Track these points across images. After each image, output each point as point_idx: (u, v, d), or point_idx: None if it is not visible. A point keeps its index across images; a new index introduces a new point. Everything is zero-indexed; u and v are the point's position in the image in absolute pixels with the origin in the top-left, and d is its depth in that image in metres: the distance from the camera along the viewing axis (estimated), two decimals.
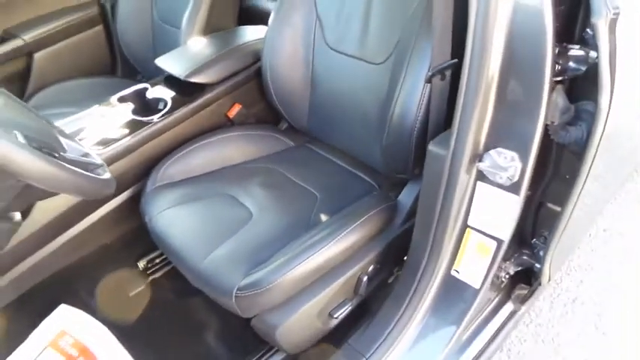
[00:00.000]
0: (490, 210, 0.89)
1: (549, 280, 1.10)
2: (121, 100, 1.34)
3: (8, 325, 1.20)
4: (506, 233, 0.90)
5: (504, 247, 0.91)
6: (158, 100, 1.34)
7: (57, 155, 0.72)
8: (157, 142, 1.29)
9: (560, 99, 0.79)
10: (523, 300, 1.15)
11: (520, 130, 0.80)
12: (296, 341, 1.08)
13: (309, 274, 1.00)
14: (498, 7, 0.73)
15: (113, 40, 1.88)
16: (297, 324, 1.04)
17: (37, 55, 1.74)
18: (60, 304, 1.18)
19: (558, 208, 0.94)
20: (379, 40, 1.15)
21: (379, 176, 1.26)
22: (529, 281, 1.15)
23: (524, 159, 0.81)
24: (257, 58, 1.39)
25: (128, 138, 1.23)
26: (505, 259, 1.04)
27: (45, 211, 1.16)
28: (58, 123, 1.21)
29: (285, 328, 1.02)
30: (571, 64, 0.78)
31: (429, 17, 0.99)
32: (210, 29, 1.55)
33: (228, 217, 1.15)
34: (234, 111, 1.43)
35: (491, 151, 0.83)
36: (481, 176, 0.87)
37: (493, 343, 1.13)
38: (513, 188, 0.84)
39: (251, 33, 1.51)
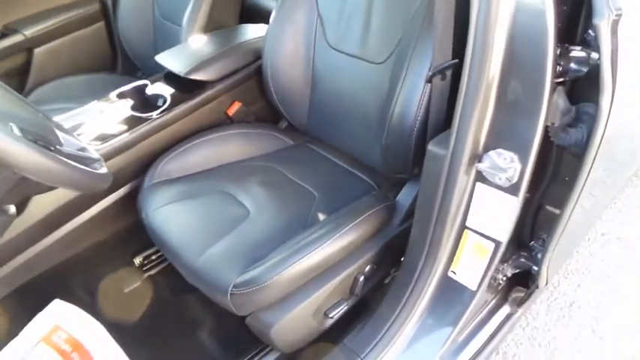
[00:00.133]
0: (488, 211, 0.89)
1: (547, 283, 1.10)
2: (120, 96, 1.33)
3: (1, 320, 1.20)
4: (504, 235, 0.89)
5: (502, 248, 0.91)
6: (157, 97, 1.33)
7: (53, 148, 0.72)
8: (155, 139, 1.29)
9: (561, 100, 0.78)
10: (520, 303, 1.14)
11: (520, 131, 0.80)
12: (291, 340, 1.08)
13: (305, 273, 1.00)
14: (500, 7, 0.73)
15: (114, 36, 1.88)
16: (293, 323, 1.03)
17: (37, 51, 1.74)
18: (54, 299, 1.17)
19: (557, 211, 0.94)
20: (380, 39, 1.15)
21: (378, 176, 1.26)
22: (526, 284, 1.15)
23: (523, 160, 0.81)
24: (257, 56, 1.39)
25: (126, 134, 1.23)
26: (502, 261, 1.03)
27: (41, 205, 1.15)
28: (57, 118, 1.21)
29: (280, 326, 1.01)
30: (572, 65, 0.78)
31: (431, 17, 0.99)
32: (211, 27, 1.54)
33: (225, 214, 1.14)
34: (234, 109, 1.43)
35: (491, 152, 0.82)
36: (480, 177, 0.86)
37: (489, 345, 1.13)
38: (512, 190, 0.84)
39: (252, 31, 1.50)
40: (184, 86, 1.35)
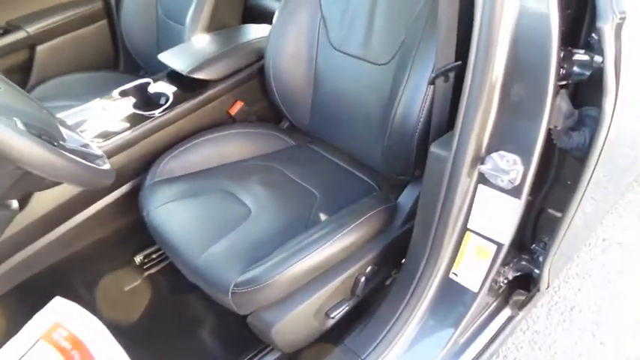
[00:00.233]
0: (490, 213, 0.89)
1: (548, 286, 1.10)
2: (123, 94, 1.33)
3: (2, 317, 1.20)
4: (506, 237, 0.89)
5: (504, 251, 0.91)
6: (160, 95, 1.34)
7: (56, 144, 0.72)
8: (157, 137, 1.29)
9: (564, 103, 0.79)
10: (521, 306, 1.14)
11: (523, 133, 0.80)
12: (291, 340, 1.08)
13: (306, 273, 1.00)
14: (504, 9, 0.73)
15: (116, 34, 1.88)
16: (294, 323, 1.03)
17: (39, 48, 1.74)
18: (55, 296, 1.17)
19: (559, 214, 0.94)
20: (383, 41, 1.15)
21: (379, 177, 1.26)
22: (527, 287, 1.15)
23: (526, 163, 0.81)
24: (260, 56, 1.39)
25: (129, 132, 1.23)
26: (504, 263, 1.04)
27: (42, 202, 1.15)
28: (59, 115, 1.21)
29: (281, 326, 1.01)
30: (575, 68, 0.78)
31: (434, 19, 0.99)
32: (214, 27, 1.54)
33: (226, 213, 1.15)
34: (236, 108, 1.43)
35: (494, 154, 0.82)
36: (482, 179, 0.86)
37: (489, 348, 1.13)
38: (514, 192, 0.84)
39: (255, 31, 1.51)
40: (187, 85, 1.35)
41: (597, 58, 0.75)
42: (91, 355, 1.08)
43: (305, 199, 1.20)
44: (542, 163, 0.83)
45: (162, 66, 1.38)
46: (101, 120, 1.25)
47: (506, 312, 1.17)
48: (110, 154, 1.19)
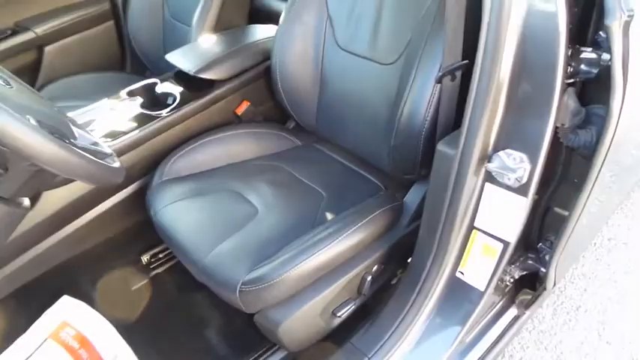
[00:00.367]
0: (497, 211, 0.89)
1: (554, 285, 1.10)
2: (130, 94, 1.34)
3: (10, 315, 1.21)
4: (512, 235, 0.90)
5: (510, 249, 0.91)
6: (167, 95, 1.34)
7: (68, 141, 0.72)
8: (164, 137, 1.30)
9: (572, 101, 0.79)
10: (527, 305, 1.14)
11: (530, 131, 0.80)
12: (298, 339, 1.08)
13: (313, 271, 1.00)
14: (512, 8, 0.73)
15: (123, 35, 1.90)
16: (300, 321, 1.04)
17: (47, 49, 1.75)
18: (63, 295, 1.18)
19: (566, 213, 0.94)
20: (390, 40, 1.15)
21: (386, 177, 1.26)
22: (533, 287, 1.15)
23: (533, 161, 0.81)
24: (267, 56, 1.40)
25: (136, 131, 1.24)
26: (510, 262, 1.04)
27: (51, 202, 1.16)
28: (68, 115, 1.22)
29: (288, 325, 1.01)
30: (583, 66, 0.78)
31: (441, 18, 1.00)
32: (220, 27, 1.55)
33: (233, 212, 1.15)
34: (243, 108, 1.44)
35: (500, 152, 0.83)
36: (489, 177, 0.87)
37: (496, 347, 1.13)
38: (521, 190, 0.84)
39: (261, 31, 1.51)
40: (194, 85, 1.36)
41: (605, 56, 0.75)
42: (99, 354, 1.09)
43: (311, 198, 1.21)
44: (549, 161, 0.83)
45: (169, 66, 1.39)
46: (109, 120, 1.26)
47: (513, 311, 1.17)
48: (118, 154, 1.19)
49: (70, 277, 1.30)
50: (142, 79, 1.40)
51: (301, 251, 0.99)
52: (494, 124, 0.83)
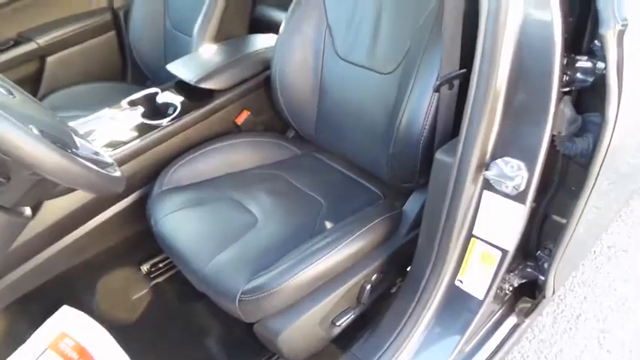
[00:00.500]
0: (495, 219, 0.90)
1: (553, 293, 1.10)
2: (131, 103, 1.35)
3: (10, 325, 1.20)
4: (511, 243, 0.90)
5: (509, 257, 0.91)
6: (168, 105, 1.35)
7: (69, 151, 0.73)
8: (165, 146, 1.31)
9: (568, 109, 0.80)
10: (527, 313, 1.14)
11: (527, 139, 0.81)
12: (298, 348, 1.08)
13: (312, 280, 1.00)
14: (508, 17, 0.74)
15: (125, 46, 1.91)
16: (300, 331, 1.03)
17: (49, 59, 1.77)
18: (62, 305, 1.18)
19: (564, 221, 0.94)
20: (388, 49, 1.16)
21: (385, 186, 1.27)
22: (533, 295, 1.15)
23: (530, 168, 0.81)
24: (267, 65, 1.41)
25: (137, 141, 1.25)
26: (509, 270, 1.04)
27: (52, 211, 1.17)
28: (69, 124, 1.23)
29: (288, 334, 1.01)
30: (579, 75, 0.79)
31: (438, 27, 1.01)
32: (221, 37, 1.57)
33: (233, 221, 1.15)
34: (243, 118, 1.45)
35: (498, 160, 0.83)
36: (487, 185, 0.87)
37: (496, 356, 1.12)
38: (519, 198, 0.84)
39: (262, 41, 1.53)
40: (194, 95, 1.37)
41: (600, 65, 0.76)
42: None
43: (311, 207, 1.21)
44: (547, 169, 0.83)
45: (170, 76, 1.40)
46: (110, 129, 1.27)
47: (512, 320, 1.17)
48: (119, 163, 1.20)
49: (70, 286, 1.30)
50: (143, 89, 1.41)
51: (300, 260, 1.00)
52: (491, 132, 0.83)
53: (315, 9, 1.28)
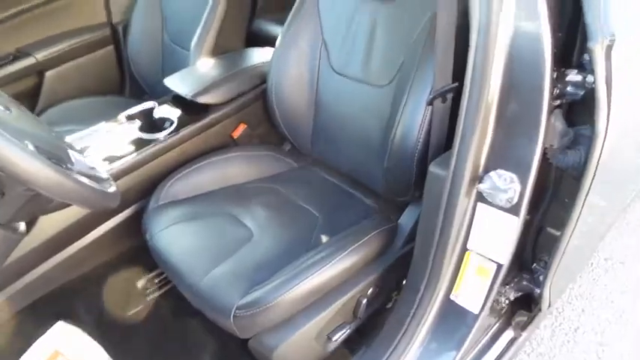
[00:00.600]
0: (490, 232, 0.90)
1: (549, 305, 1.09)
2: (129, 118, 1.36)
3: (6, 341, 1.19)
4: (505, 256, 0.90)
5: (504, 270, 0.91)
6: (165, 119, 1.36)
7: (64, 166, 0.73)
8: (161, 160, 1.31)
9: (559, 123, 0.80)
10: (523, 327, 1.13)
11: (519, 152, 0.81)
12: None
13: (308, 295, 1.00)
14: (499, 32, 0.75)
15: (123, 60, 1.93)
16: (295, 346, 1.03)
17: (48, 74, 1.78)
18: (57, 321, 1.17)
19: (558, 233, 0.94)
20: (383, 63, 1.17)
21: (380, 199, 1.27)
22: (530, 308, 1.14)
23: (523, 181, 0.82)
24: (263, 79, 1.42)
25: (133, 155, 1.25)
26: (505, 283, 1.03)
27: (47, 226, 1.17)
28: (66, 139, 1.23)
29: (283, 349, 1.00)
30: (569, 88, 0.80)
31: (432, 42, 1.02)
32: (218, 51, 1.58)
33: (229, 235, 1.15)
34: (239, 131, 1.45)
35: (491, 173, 0.84)
36: (481, 198, 0.87)
37: None
38: (513, 210, 0.85)
39: (258, 55, 1.54)
40: (191, 108, 1.38)
41: (589, 78, 0.77)
42: None
43: (306, 221, 1.21)
44: (540, 181, 0.84)
45: (167, 90, 1.41)
46: (107, 143, 1.27)
47: (509, 333, 1.16)
48: (115, 177, 1.20)
49: (66, 302, 1.29)
50: (141, 103, 1.42)
51: (295, 275, 0.99)
52: (484, 145, 0.84)
53: (311, 24, 1.29)
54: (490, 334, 1.13)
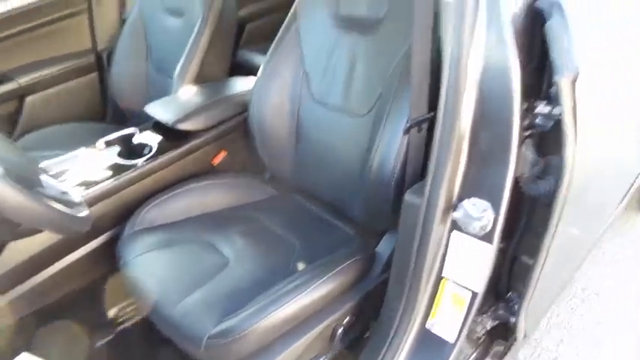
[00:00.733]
0: (464, 260, 0.90)
1: (525, 335, 1.09)
2: (108, 143, 1.35)
3: None
4: (480, 284, 0.90)
5: (479, 298, 0.91)
6: (144, 145, 1.36)
7: (33, 190, 0.72)
8: (139, 186, 1.30)
9: (529, 152, 0.82)
10: (501, 356, 1.13)
11: (491, 181, 0.83)
12: None
13: (282, 323, 0.98)
14: (469, 66, 0.78)
15: (106, 87, 1.93)
16: None
17: (28, 99, 1.78)
18: (21, 352, 1.13)
19: (532, 261, 0.95)
20: (362, 94, 1.20)
21: (360, 227, 1.27)
22: (507, 338, 1.14)
23: (496, 209, 0.83)
24: (245, 107, 1.42)
25: (110, 180, 1.24)
26: (481, 312, 1.03)
27: (16, 252, 1.13)
28: (44, 164, 1.22)
29: None
30: (538, 120, 0.82)
31: (408, 74, 1.04)
32: (201, 80, 1.59)
33: (204, 263, 1.14)
34: (219, 158, 1.45)
35: (465, 201, 0.85)
36: (455, 226, 0.88)
37: None
38: (487, 238, 0.85)
39: (241, 84, 1.56)
40: (172, 135, 1.38)
41: (557, 110, 0.80)
42: None
43: (284, 249, 1.20)
44: (514, 211, 0.85)
45: (150, 118, 1.41)
46: (84, 169, 1.26)
47: None
48: (91, 203, 1.18)
49: (32, 332, 1.24)
50: (122, 129, 1.42)
51: (269, 303, 0.98)
52: (457, 174, 0.85)
53: (293, 54, 1.32)
54: None
